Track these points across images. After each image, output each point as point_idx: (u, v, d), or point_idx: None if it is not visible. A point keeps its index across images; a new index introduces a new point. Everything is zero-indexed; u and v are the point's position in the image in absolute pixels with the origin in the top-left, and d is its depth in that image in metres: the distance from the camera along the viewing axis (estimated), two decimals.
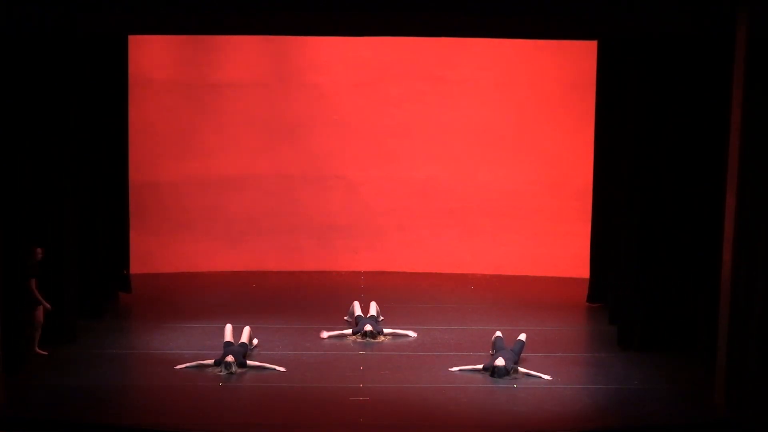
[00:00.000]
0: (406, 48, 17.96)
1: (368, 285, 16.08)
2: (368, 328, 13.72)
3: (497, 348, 12.51)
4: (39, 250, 12.41)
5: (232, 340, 12.65)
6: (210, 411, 10.99)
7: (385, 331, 13.89)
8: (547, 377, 12.05)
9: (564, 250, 18.05)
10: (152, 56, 17.85)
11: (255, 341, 13.18)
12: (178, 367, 12.26)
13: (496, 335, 12.79)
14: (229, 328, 12.88)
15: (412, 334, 13.95)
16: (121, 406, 10.98)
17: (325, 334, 13.75)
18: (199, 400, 11.24)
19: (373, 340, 13.65)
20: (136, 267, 16.95)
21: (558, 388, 11.79)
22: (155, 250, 17.92)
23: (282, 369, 12.31)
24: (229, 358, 12.13)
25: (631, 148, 13.57)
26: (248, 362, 12.37)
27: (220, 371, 12.11)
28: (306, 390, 11.68)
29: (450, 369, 12.30)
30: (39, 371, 12.01)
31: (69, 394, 11.28)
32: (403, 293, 14.73)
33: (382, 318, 14.27)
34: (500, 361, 12.08)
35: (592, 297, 16.17)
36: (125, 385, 11.66)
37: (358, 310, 14.19)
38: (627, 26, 12.36)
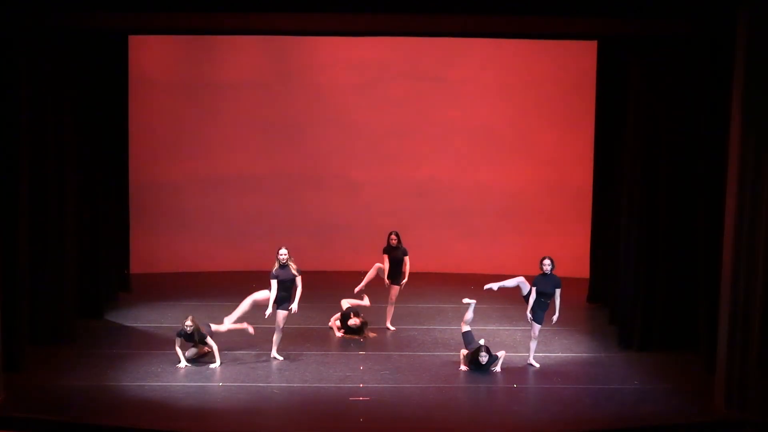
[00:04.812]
0: (406, 48, 17.95)
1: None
2: (353, 322, 13.88)
3: (469, 341, 12.62)
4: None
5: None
6: (210, 411, 10.99)
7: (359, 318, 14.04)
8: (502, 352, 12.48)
9: (564, 250, 18.01)
10: (152, 56, 17.85)
11: (251, 329, 13.19)
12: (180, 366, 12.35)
13: (464, 330, 12.84)
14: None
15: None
16: (121, 406, 10.97)
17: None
18: (199, 401, 11.24)
19: (360, 335, 13.84)
20: (136, 267, 16.97)
21: (558, 388, 11.79)
22: (155, 250, 17.94)
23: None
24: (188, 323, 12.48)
25: (631, 148, 13.56)
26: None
27: (186, 340, 12.53)
28: (306, 390, 11.68)
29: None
30: (39, 371, 12.00)
31: (69, 394, 11.28)
32: (403, 293, 14.70)
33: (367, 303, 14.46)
34: (484, 358, 12.30)
35: (592, 297, 16.18)
36: (125, 385, 11.65)
37: (345, 305, 14.29)
38: (627, 26, 12.37)
